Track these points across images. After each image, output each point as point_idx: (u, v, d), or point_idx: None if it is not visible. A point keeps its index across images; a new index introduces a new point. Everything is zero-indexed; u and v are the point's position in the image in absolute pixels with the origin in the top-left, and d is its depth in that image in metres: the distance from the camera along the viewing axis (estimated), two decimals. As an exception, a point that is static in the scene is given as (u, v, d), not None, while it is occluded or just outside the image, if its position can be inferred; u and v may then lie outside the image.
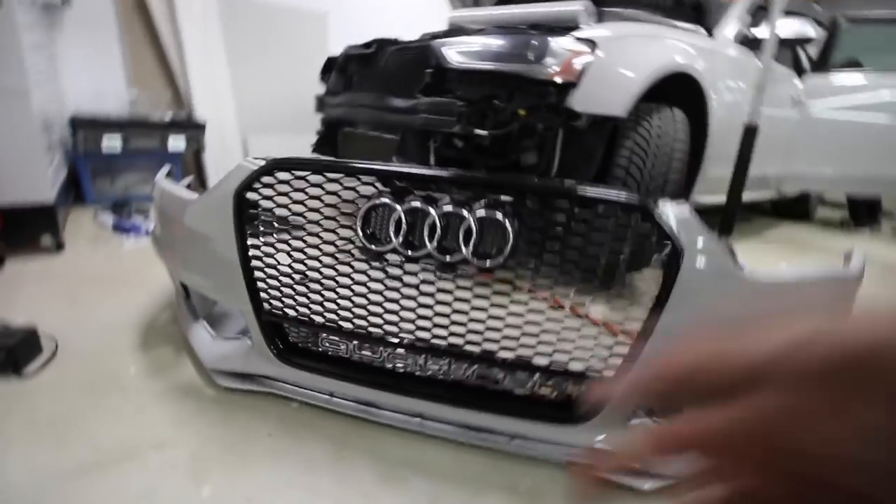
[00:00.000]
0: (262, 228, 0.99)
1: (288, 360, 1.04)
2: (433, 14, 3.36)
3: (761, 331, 0.17)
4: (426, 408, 0.98)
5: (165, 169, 1.38)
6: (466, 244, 0.87)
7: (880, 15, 2.95)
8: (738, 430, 0.16)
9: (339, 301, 0.97)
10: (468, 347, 0.92)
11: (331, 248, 0.96)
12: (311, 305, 0.99)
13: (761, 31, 2.34)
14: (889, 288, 2.21)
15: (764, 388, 0.15)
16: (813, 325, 0.16)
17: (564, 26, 1.70)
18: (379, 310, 0.95)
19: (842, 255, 1.07)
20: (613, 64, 1.64)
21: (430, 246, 0.88)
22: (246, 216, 0.98)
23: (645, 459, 0.19)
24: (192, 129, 2.96)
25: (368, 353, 1.01)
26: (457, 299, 0.90)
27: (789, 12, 2.58)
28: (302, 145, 2.72)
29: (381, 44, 2.26)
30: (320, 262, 0.97)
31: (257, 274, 1.00)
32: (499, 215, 0.86)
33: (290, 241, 0.98)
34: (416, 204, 0.88)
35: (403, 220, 0.89)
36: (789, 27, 2.29)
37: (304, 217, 0.97)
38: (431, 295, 0.91)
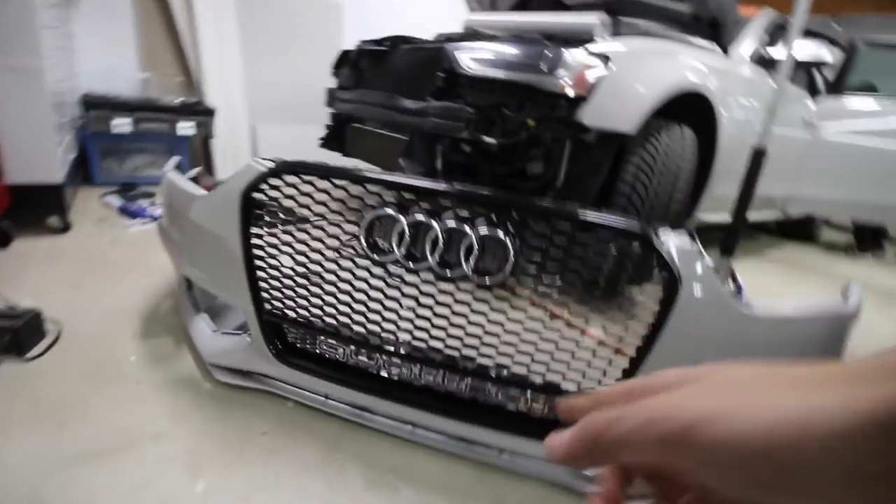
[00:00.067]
0: (266, 229, 1.00)
1: (286, 360, 1.06)
2: (449, 9, 3.33)
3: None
4: (418, 417, 1.00)
5: (174, 161, 1.39)
6: (467, 260, 0.88)
7: (898, 40, 2.93)
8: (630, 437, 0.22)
9: (338, 306, 0.99)
10: (462, 362, 0.93)
11: (333, 254, 0.97)
12: (312, 308, 1.01)
13: (777, 51, 2.33)
14: (888, 315, 2.21)
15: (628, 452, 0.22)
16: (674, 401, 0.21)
17: (579, 38, 1.70)
18: (377, 318, 0.96)
19: (843, 282, 1.07)
20: (626, 80, 1.64)
21: (431, 260, 0.89)
22: (252, 216, 1.00)
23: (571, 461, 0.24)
24: (202, 114, 2.97)
25: (365, 359, 1.03)
26: (454, 313, 0.91)
27: (808, 31, 2.56)
28: (310, 136, 2.73)
29: (395, 41, 2.26)
30: (323, 266, 0.98)
31: (260, 274, 1.02)
32: (500, 233, 0.87)
33: (293, 244, 0.99)
34: (420, 217, 0.89)
35: (406, 232, 0.90)
36: (806, 49, 2.27)
37: (309, 221, 0.98)
38: (430, 307, 0.92)
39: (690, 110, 1.90)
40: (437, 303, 0.92)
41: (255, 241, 1.00)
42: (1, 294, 1.37)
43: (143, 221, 2.22)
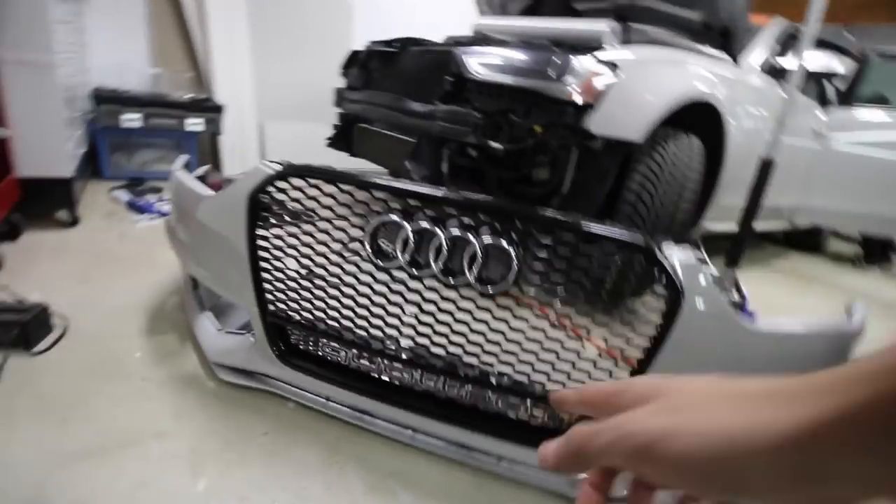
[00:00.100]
0: (272, 231, 1.01)
1: (288, 361, 1.07)
2: (459, 10, 3.33)
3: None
4: (418, 422, 1.00)
5: (182, 160, 1.40)
6: (471, 269, 0.88)
7: (912, 51, 2.91)
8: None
9: (341, 310, 0.99)
10: (463, 368, 0.94)
11: (338, 258, 0.98)
12: (315, 311, 1.02)
13: (788, 61, 2.31)
14: (892, 329, 2.19)
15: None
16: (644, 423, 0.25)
17: (588, 46, 1.70)
18: (380, 322, 0.97)
19: (849, 295, 1.07)
20: (634, 88, 1.63)
21: (435, 267, 0.90)
22: (258, 218, 1.00)
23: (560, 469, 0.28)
24: (211, 111, 2.99)
25: (367, 363, 1.04)
26: (457, 320, 0.92)
27: (820, 41, 2.54)
28: (318, 135, 2.74)
29: (405, 43, 2.26)
30: (327, 270, 0.99)
31: (265, 275, 1.03)
32: (504, 242, 0.87)
33: (298, 247, 1.00)
34: (425, 224, 0.90)
35: (411, 239, 0.91)
36: (817, 60, 2.26)
37: (314, 224, 0.99)
38: (432, 314, 0.93)
39: (699, 119, 1.89)
40: (440, 309, 0.92)
41: (260, 242, 1.01)
42: (10, 288, 1.39)
43: (151, 217, 2.24)
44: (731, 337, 0.86)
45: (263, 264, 1.02)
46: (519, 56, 1.69)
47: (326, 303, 1.00)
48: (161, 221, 2.10)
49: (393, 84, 2.18)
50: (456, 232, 0.89)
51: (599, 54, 1.64)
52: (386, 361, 1.01)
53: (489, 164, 1.78)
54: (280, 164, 1.00)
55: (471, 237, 0.88)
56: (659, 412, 0.25)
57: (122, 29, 3.02)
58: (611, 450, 0.25)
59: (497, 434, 0.96)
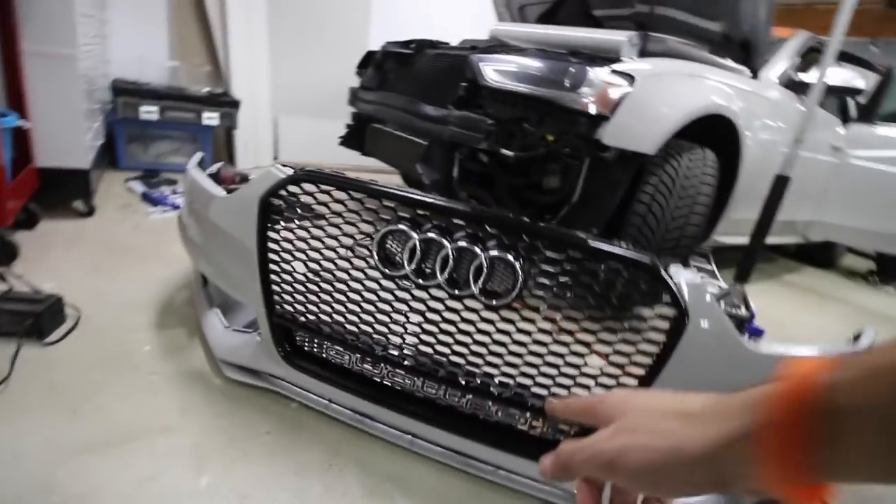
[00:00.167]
0: (282, 234, 1.02)
1: (293, 362, 1.08)
2: (477, 12, 3.33)
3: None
4: (418, 428, 1.01)
5: (197, 157, 1.42)
6: (476, 281, 0.89)
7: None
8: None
9: (347, 315, 1.01)
10: (465, 377, 0.94)
11: (345, 264, 0.99)
12: (321, 315, 1.03)
13: (808, 76, 2.28)
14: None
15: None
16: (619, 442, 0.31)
17: (606, 56, 1.69)
18: (384, 329, 0.98)
19: (860, 313, 1.05)
20: (649, 100, 1.62)
21: (440, 278, 0.90)
22: (269, 221, 1.02)
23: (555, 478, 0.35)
24: (228, 105, 3.02)
25: (370, 368, 1.05)
26: (460, 331, 0.92)
27: (843, 55, 2.50)
28: (331, 133, 2.76)
29: (421, 45, 2.27)
30: (334, 275, 1.00)
31: (273, 277, 1.04)
32: (510, 256, 0.88)
33: (307, 251, 1.01)
34: (432, 235, 0.91)
35: (418, 248, 0.91)
36: (838, 76, 2.22)
37: (324, 229, 1.00)
38: (436, 323, 0.93)
39: (714, 131, 1.87)
40: (444, 319, 0.93)
41: (270, 245, 1.03)
42: (24, 277, 1.42)
43: (164, 209, 2.28)
44: (734, 358, 0.86)
45: (272, 266, 1.04)
46: (535, 64, 1.68)
47: (332, 307, 1.02)
48: (174, 214, 2.13)
49: (407, 86, 2.19)
50: (463, 243, 0.90)
51: (617, 65, 1.63)
52: (388, 367, 1.02)
53: (500, 170, 1.78)
54: (292, 168, 1.02)
55: (477, 249, 0.89)
56: (619, 432, 0.32)
57: (144, 21, 3.06)
58: (588, 464, 0.32)
59: (495, 443, 0.97)
